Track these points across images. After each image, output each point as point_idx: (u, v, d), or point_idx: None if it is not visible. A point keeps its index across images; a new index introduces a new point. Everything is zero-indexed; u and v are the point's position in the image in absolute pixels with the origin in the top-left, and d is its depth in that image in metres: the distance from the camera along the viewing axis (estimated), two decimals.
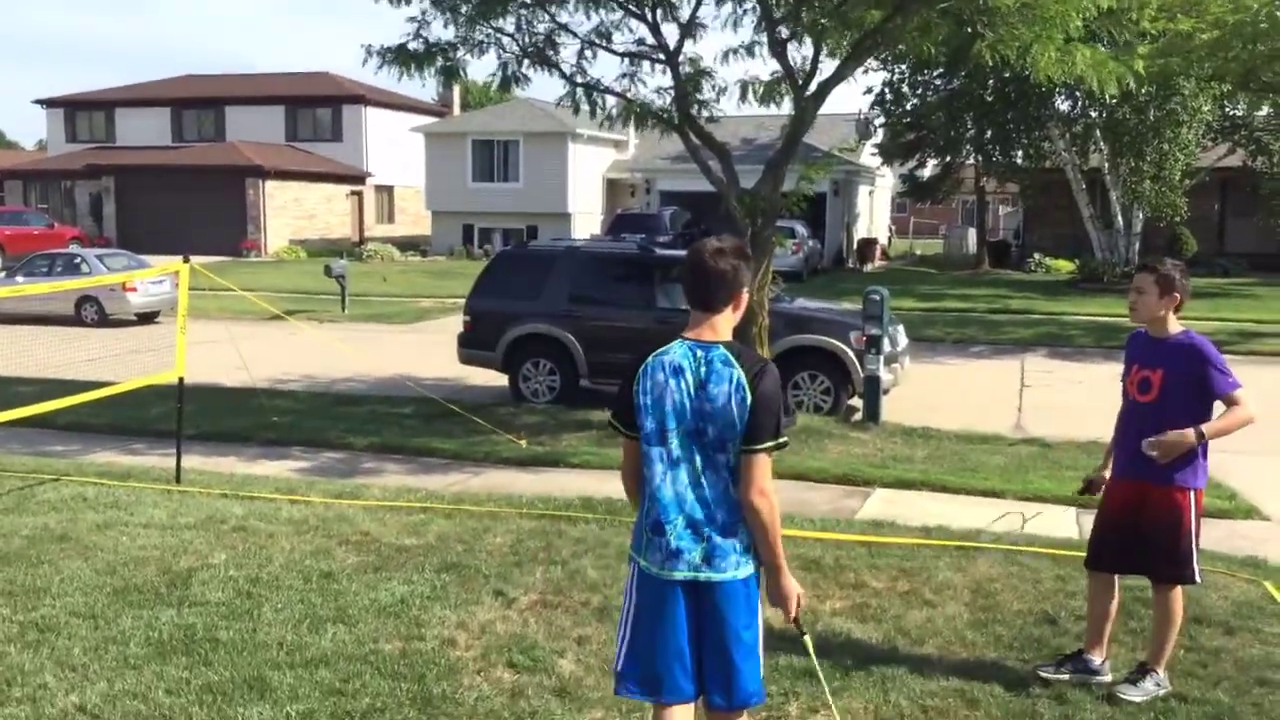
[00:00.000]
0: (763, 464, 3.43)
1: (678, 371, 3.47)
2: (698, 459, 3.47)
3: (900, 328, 13.18)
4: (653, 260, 13.26)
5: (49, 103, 49.28)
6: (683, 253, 13.81)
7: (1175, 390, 4.87)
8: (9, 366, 14.73)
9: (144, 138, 46.57)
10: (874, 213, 46.38)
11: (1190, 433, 4.81)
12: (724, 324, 3.53)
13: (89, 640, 5.46)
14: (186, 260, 9.29)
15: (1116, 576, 5.18)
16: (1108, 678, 5.08)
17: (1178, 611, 5.00)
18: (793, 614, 3.61)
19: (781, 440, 3.49)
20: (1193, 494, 4.92)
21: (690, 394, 3.45)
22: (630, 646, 3.55)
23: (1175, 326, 4.99)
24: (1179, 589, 4.99)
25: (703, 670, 3.51)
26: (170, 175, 41.20)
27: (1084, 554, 6.41)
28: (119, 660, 5.22)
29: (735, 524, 3.48)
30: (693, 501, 3.46)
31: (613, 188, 42.40)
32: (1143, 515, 4.93)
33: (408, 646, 5.41)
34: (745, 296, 3.57)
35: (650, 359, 3.52)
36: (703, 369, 3.46)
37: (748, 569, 3.50)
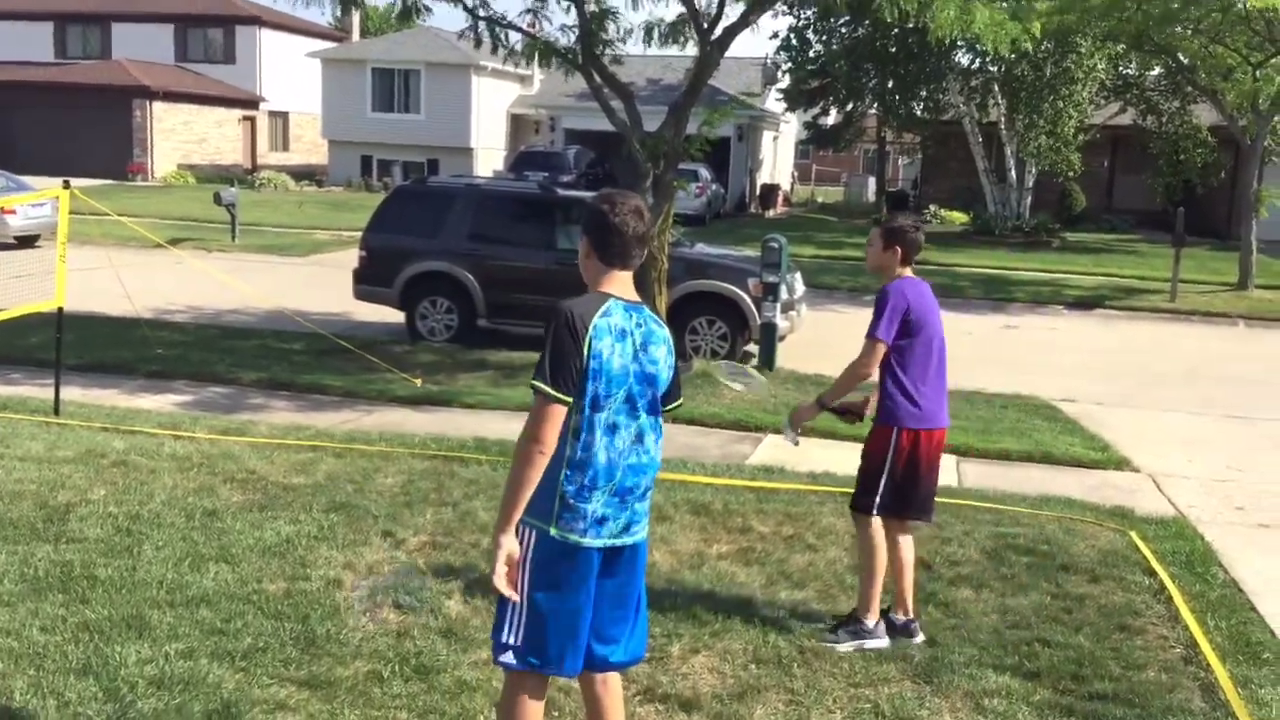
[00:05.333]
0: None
1: (622, 335, 3.36)
2: (633, 425, 3.41)
3: (798, 275, 13.34)
4: (555, 200, 13.17)
5: None
6: (585, 193, 13.77)
7: None
8: None
9: (24, 52, 44.28)
10: (777, 159, 46.64)
11: (812, 404, 5.13)
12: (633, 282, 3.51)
13: None
14: (67, 185, 8.93)
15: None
16: (884, 642, 5.08)
17: (872, 547, 5.06)
18: None
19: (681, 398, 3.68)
20: (895, 431, 5.02)
21: (632, 357, 3.37)
22: (531, 619, 3.38)
23: (896, 277, 5.10)
24: (871, 523, 5.06)
25: (593, 630, 3.45)
26: (53, 93, 39.39)
27: (959, 501, 6.64)
28: None
29: (648, 489, 3.49)
30: (624, 469, 3.39)
31: (517, 123, 41.84)
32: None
33: (292, 587, 5.37)
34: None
35: (596, 319, 3.31)
36: (640, 331, 3.40)
37: (647, 529, 3.55)
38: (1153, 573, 6.10)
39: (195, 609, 5.04)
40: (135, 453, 7.51)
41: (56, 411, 8.58)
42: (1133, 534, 6.75)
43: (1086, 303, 18.92)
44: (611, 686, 3.58)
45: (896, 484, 5.02)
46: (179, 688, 4.32)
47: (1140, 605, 5.67)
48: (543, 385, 3.27)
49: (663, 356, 3.44)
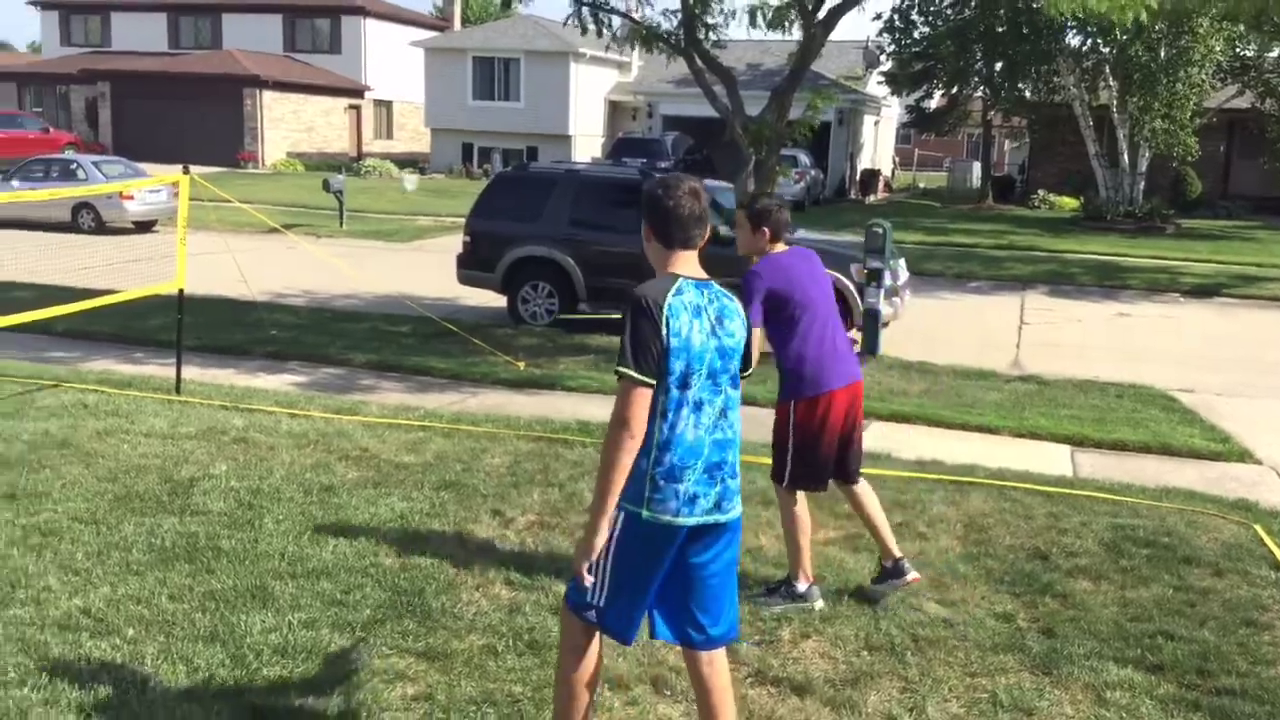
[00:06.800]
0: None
1: (698, 311, 3.40)
2: (716, 400, 3.43)
3: (902, 261, 13.13)
4: None
5: (44, 4, 48.40)
6: None
7: None
8: (7, 272, 14.68)
9: (140, 42, 45.86)
10: (878, 143, 46.00)
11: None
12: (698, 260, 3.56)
13: (91, 545, 5.52)
14: (186, 171, 9.23)
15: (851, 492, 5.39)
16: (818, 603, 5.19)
17: (791, 515, 5.18)
18: None
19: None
20: (791, 405, 5.11)
21: (710, 332, 3.41)
22: (613, 585, 3.43)
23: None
24: (789, 495, 5.20)
25: (689, 609, 3.49)
26: (168, 83, 40.65)
27: (1075, 492, 6.50)
28: (122, 565, 5.29)
29: (737, 463, 3.51)
30: (711, 445, 3.41)
31: (615, 110, 41.95)
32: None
33: (408, 561, 5.48)
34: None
35: (670, 299, 3.36)
36: (714, 305, 3.46)
37: (741, 506, 3.55)
38: (1279, 567, 5.89)
39: (316, 580, 5.18)
40: (254, 430, 7.74)
41: (178, 390, 8.87)
42: (1257, 527, 6.52)
43: (1204, 290, 18.31)
44: (718, 666, 3.58)
45: (803, 456, 5.11)
46: (301, 656, 4.45)
47: (1267, 600, 5.48)
48: (628, 370, 3.30)
49: (738, 329, 3.50)
